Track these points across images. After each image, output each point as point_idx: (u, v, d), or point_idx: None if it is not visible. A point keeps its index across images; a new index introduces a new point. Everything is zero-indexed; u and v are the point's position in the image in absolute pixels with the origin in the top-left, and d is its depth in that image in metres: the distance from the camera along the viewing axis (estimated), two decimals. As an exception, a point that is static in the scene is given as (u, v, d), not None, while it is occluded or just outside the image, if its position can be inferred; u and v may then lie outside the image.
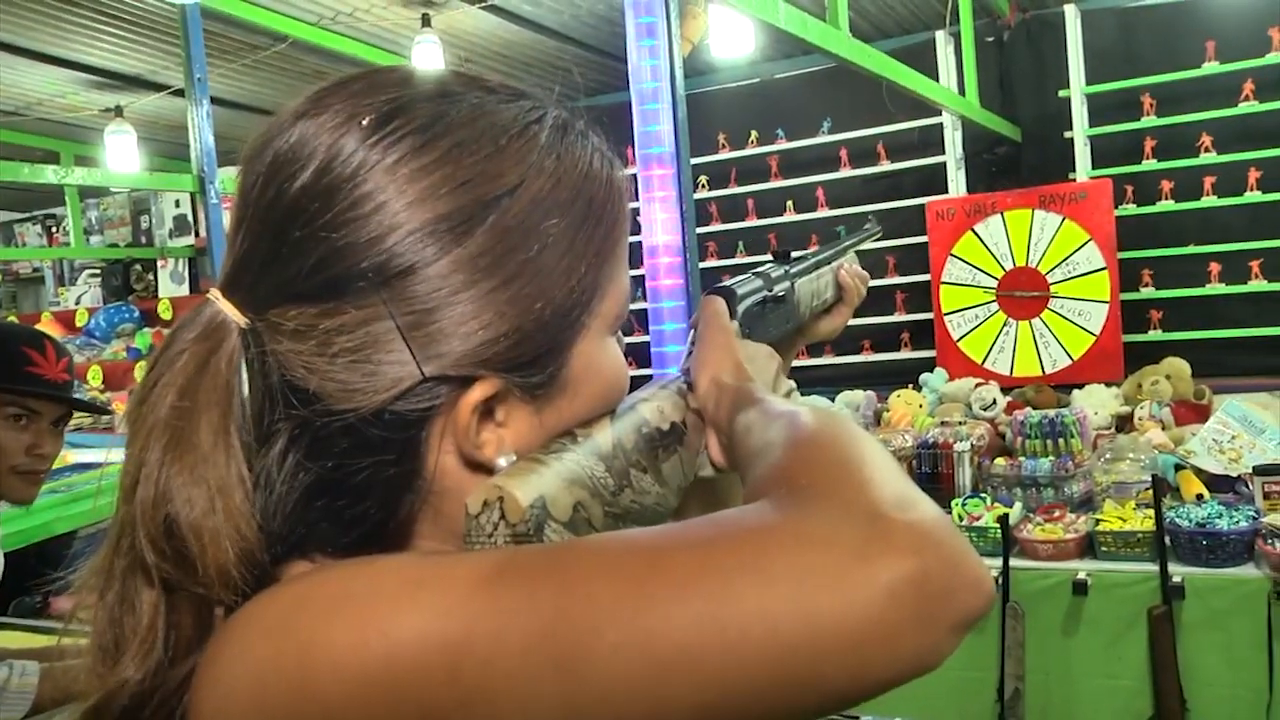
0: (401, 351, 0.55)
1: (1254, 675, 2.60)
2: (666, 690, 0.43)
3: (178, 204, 7.19)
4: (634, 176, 1.81)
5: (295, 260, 0.56)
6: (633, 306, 2.62)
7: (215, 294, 0.58)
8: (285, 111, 0.60)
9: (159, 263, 7.35)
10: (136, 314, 7.32)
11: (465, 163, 0.56)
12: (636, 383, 0.70)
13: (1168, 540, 2.76)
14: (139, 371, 6.24)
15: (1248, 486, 2.95)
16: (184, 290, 7.08)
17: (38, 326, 7.61)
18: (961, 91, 4.29)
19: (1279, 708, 2.56)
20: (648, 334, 1.88)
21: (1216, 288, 4.16)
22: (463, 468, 0.58)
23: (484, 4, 4.62)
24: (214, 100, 5.12)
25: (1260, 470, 2.89)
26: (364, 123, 0.56)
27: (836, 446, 0.51)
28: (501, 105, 0.60)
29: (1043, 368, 4.24)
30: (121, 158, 5.09)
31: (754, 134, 5.27)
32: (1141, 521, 2.85)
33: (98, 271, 7.64)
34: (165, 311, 7.19)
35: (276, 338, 0.56)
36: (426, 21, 4.54)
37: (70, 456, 4.88)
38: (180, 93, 4.48)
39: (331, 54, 4.80)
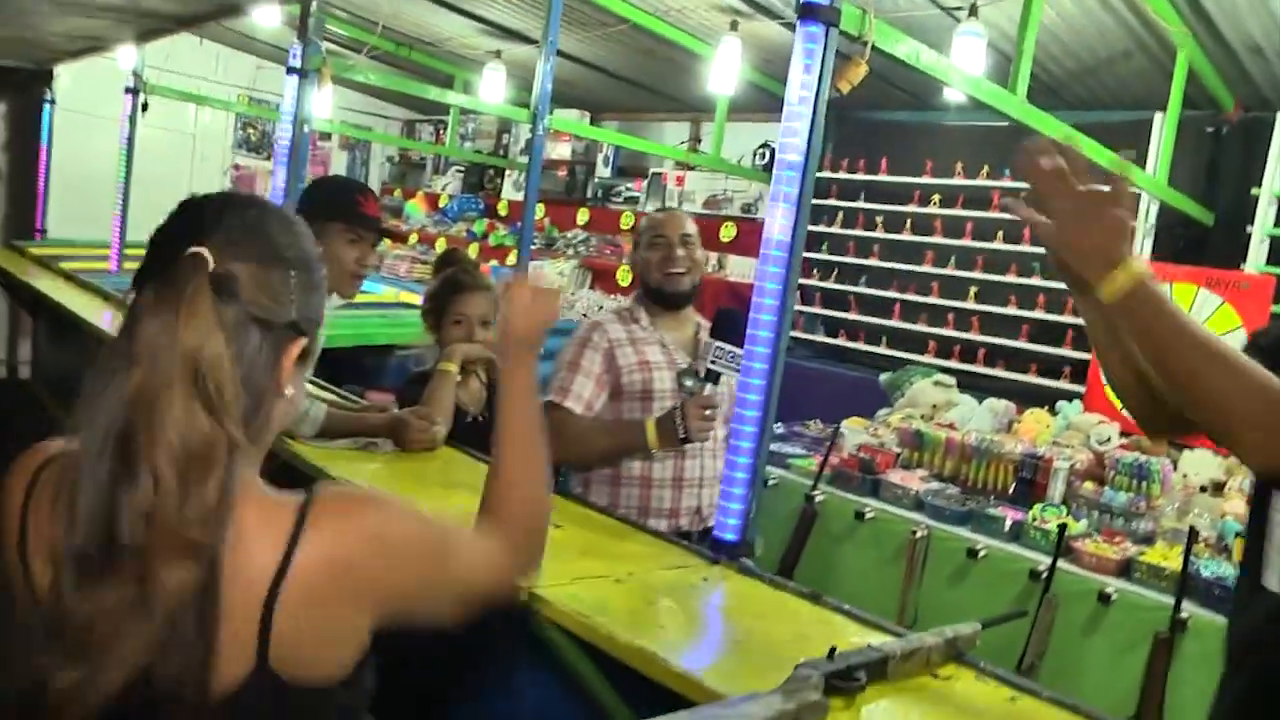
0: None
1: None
2: None
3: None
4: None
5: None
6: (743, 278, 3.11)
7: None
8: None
9: (507, 172, 8.09)
10: (481, 206, 8.14)
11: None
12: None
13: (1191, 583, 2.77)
14: (473, 248, 7.02)
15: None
16: (519, 196, 7.77)
17: (412, 202, 8.61)
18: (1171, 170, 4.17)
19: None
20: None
21: (1347, 400, 3.86)
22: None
23: (783, 21, 4.88)
24: (562, 54, 5.68)
25: (1297, 551, 2.81)
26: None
27: None
28: None
29: (1171, 426, 4.12)
30: (495, 89, 5.76)
31: (986, 167, 5.27)
32: (1176, 562, 2.87)
33: (463, 169, 8.49)
34: (503, 209, 7.96)
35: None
36: (734, 26, 4.86)
37: (404, 296, 5.68)
38: (545, 46, 5.04)
39: (658, 37, 5.21)
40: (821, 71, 1.95)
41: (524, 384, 1.30)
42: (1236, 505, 3.36)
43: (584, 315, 6.43)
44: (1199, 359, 1.13)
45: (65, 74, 7.17)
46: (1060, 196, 1.16)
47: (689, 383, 2.23)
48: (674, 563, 1.95)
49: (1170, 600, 2.77)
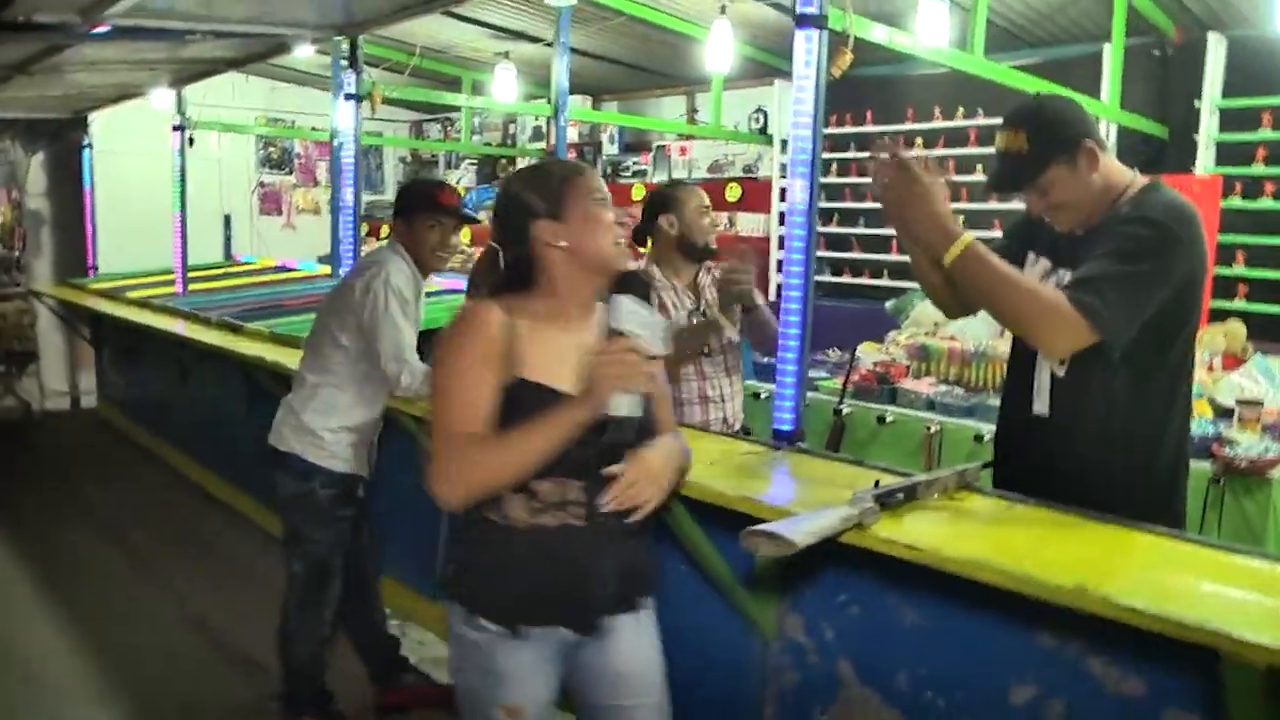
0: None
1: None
2: None
3: (535, 118, 8.42)
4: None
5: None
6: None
7: None
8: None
9: (517, 160, 8.65)
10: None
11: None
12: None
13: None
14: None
15: (1238, 413, 3.50)
16: (532, 182, 8.27)
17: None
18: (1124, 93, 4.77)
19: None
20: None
21: (1293, 274, 4.53)
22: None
23: (768, 1, 5.43)
24: (571, 49, 6.21)
25: (1242, 401, 3.44)
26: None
27: None
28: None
29: (1145, 318, 4.74)
30: (503, 88, 6.33)
31: (961, 109, 5.85)
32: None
33: (475, 162, 9.06)
34: (517, 196, 8.50)
35: None
36: (723, 10, 5.42)
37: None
38: (550, 44, 5.58)
39: (652, 24, 5.76)
40: (819, 65, 2.56)
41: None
42: (1200, 374, 3.99)
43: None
44: (1008, 294, 1.83)
45: (98, 118, 7.71)
46: (888, 186, 1.86)
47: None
48: (747, 450, 2.60)
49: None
